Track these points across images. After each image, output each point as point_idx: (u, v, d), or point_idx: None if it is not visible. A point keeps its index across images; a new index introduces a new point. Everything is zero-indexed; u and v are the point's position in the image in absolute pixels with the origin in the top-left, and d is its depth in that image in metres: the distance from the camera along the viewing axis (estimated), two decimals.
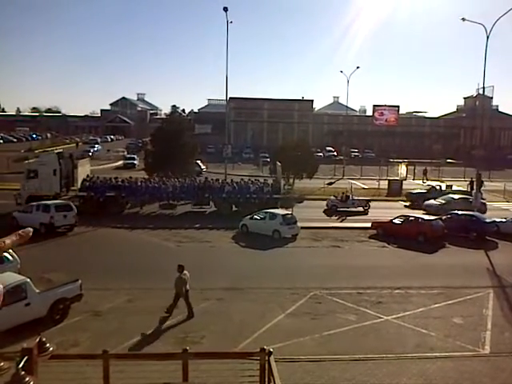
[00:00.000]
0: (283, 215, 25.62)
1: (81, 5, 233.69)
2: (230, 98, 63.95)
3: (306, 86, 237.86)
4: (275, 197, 31.05)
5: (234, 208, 31.02)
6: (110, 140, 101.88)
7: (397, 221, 26.27)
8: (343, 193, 34.69)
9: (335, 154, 74.63)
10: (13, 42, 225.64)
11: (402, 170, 57.84)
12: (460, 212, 27.67)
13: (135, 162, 54.90)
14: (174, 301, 14.58)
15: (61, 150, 35.86)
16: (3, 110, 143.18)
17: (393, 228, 26.00)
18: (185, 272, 14.76)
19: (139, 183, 31.01)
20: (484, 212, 31.14)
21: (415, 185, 45.68)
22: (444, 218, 26.94)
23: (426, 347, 13.00)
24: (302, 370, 11.48)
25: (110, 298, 15.71)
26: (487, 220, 27.04)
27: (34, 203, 25.46)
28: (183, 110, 55.04)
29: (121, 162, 57.68)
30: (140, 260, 20.35)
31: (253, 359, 6.56)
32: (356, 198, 34.43)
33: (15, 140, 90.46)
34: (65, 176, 30.50)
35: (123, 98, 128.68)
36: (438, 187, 39.35)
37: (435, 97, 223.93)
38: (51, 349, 5.64)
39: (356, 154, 77.28)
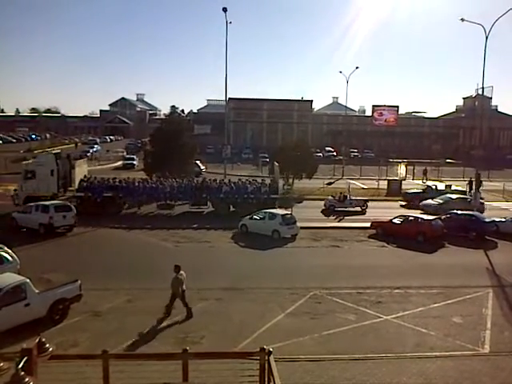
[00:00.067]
0: (283, 215, 25.62)
1: (80, 5, 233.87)
2: (230, 98, 63.96)
3: (305, 87, 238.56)
4: (273, 197, 31.04)
5: (232, 208, 31.02)
6: (109, 140, 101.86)
7: (396, 220, 26.28)
8: (341, 193, 34.70)
9: (335, 154, 74.66)
10: (12, 42, 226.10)
11: (402, 170, 57.83)
12: (459, 212, 27.69)
13: (134, 162, 54.91)
14: (171, 301, 14.58)
15: (58, 151, 35.85)
16: (2, 111, 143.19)
17: (392, 228, 26.00)
18: (181, 272, 14.76)
19: (137, 183, 30.98)
20: (482, 211, 31.17)
21: (415, 185, 45.70)
22: (443, 217, 26.95)
23: (426, 347, 13.00)
24: (301, 370, 11.48)
25: (109, 299, 15.70)
26: (486, 220, 27.06)
27: (33, 204, 25.44)
28: (182, 111, 55.20)
29: (120, 163, 57.70)
30: (139, 260, 20.35)
31: (252, 359, 6.57)
32: (354, 197, 34.44)
33: (14, 140, 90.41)
34: (62, 176, 30.51)
35: (122, 98, 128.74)
36: (433, 187, 39.39)
37: (434, 97, 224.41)
38: (51, 349, 5.65)
39: (355, 154, 77.32)
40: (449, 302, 16.53)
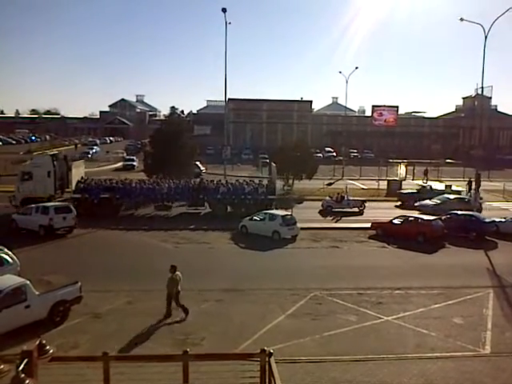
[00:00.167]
0: (283, 216, 25.61)
1: (79, 6, 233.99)
2: (229, 99, 63.96)
3: (304, 87, 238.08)
4: (270, 198, 31.02)
5: (229, 209, 31.00)
6: (109, 141, 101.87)
7: (396, 221, 26.27)
8: (338, 193, 34.65)
9: (334, 154, 74.66)
10: (11, 42, 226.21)
11: (402, 170, 57.86)
12: (459, 212, 27.68)
13: (134, 163, 54.91)
14: (168, 302, 14.60)
15: (55, 152, 35.83)
16: (2, 112, 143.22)
17: (392, 228, 25.99)
18: (177, 273, 14.77)
19: (134, 185, 30.92)
20: (480, 211, 31.16)
21: (415, 185, 45.66)
22: (443, 218, 26.93)
23: (427, 347, 12.99)
24: (302, 371, 11.46)
25: (109, 300, 15.68)
26: (487, 220, 27.04)
27: (33, 205, 25.43)
28: (182, 112, 55.20)
29: (120, 164, 57.68)
30: (139, 262, 20.34)
31: (253, 360, 6.56)
32: (351, 198, 34.38)
33: (14, 142, 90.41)
34: (59, 178, 30.46)
35: (122, 99, 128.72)
36: (428, 187, 39.34)
37: (434, 97, 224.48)
38: (51, 351, 5.65)
39: (355, 154, 77.33)
40: (449, 302, 16.51)
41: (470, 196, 37.07)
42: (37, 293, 13.44)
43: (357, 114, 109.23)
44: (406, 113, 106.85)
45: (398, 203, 36.83)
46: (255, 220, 26.05)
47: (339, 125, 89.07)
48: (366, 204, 34.56)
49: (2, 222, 26.01)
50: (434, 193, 36.78)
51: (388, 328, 14.24)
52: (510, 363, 12.36)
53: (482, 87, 46.42)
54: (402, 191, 38.75)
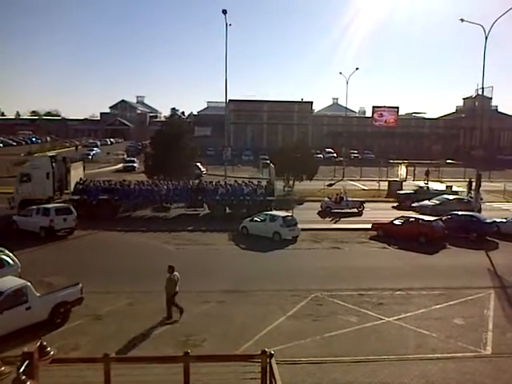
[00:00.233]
0: (283, 217, 25.60)
1: (80, 8, 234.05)
2: (230, 100, 64.10)
3: (305, 88, 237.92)
4: (269, 199, 31.02)
5: (228, 210, 31.00)
6: (109, 143, 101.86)
7: (397, 222, 26.26)
8: (337, 194, 34.64)
9: (335, 155, 74.65)
10: (12, 44, 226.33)
11: (402, 170, 57.80)
12: (460, 213, 27.67)
13: (135, 164, 54.96)
14: (169, 303, 14.62)
15: (54, 154, 35.83)
16: (3, 114, 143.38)
17: (393, 229, 25.98)
18: (175, 273, 14.79)
19: (132, 186, 30.90)
20: (479, 212, 31.11)
21: (416, 186, 45.61)
22: (444, 218, 26.92)
23: (428, 348, 12.98)
24: (303, 372, 11.46)
25: (110, 302, 15.69)
26: (487, 220, 27.02)
27: (34, 207, 25.45)
28: (183, 113, 55.10)
29: (121, 165, 57.71)
30: (139, 263, 20.34)
31: (254, 362, 6.56)
32: (350, 199, 34.36)
33: (15, 144, 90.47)
34: (58, 179, 30.42)
35: (123, 100, 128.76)
36: (425, 188, 39.28)
37: (434, 98, 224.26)
38: (52, 353, 5.64)
39: (356, 155, 77.32)
40: (450, 303, 16.51)
41: (471, 197, 37.05)
42: (38, 294, 13.45)
43: (357, 115, 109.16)
44: (406, 113, 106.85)
45: (396, 204, 36.84)
46: (256, 221, 26.05)
47: (340, 126, 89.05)
48: (366, 205, 34.56)
49: (3, 224, 26.04)
50: (430, 193, 36.77)
51: (389, 329, 14.23)
52: (511, 364, 12.35)
53: (483, 88, 46.35)
54: (399, 192, 38.74)
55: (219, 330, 13.78)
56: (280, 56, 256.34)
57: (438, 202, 32.83)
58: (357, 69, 60.73)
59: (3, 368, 5.18)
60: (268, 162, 48.54)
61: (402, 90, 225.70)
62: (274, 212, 26.93)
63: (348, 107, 79.26)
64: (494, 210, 34.26)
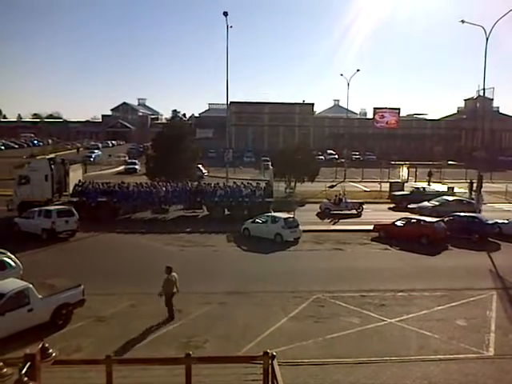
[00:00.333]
0: (285, 219, 25.58)
1: (81, 10, 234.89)
2: (231, 102, 64.14)
3: (306, 90, 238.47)
4: (267, 200, 31.01)
5: (227, 212, 30.99)
6: (111, 145, 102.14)
7: (399, 223, 26.23)
8: (336, 195, 34.60)
9: (336, 156, 74.69)
10: (13, 46, 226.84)
11: (404, 172, 57.79)
12: (462, 214, 27.63)
13: (136, 166, 55.01)
14: (169, 304, 14.63)
15: (52, 156, 35.84)
16: (4, 117, 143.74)
17: (395, 230, 25.94)
18: (173, 274, 14.82)
19: (131, 188, 30.90)
20: (479, 213, 31.04)
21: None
22: (446, 219, 26.88)
23: (430, 349, 12.95)
24: (305, 374, 11.44)
25: (112, 303, 15.69)
26: (489, 221, 26.95)
27: (36, 209, 25.47)
28: (184, 115, 54.92)
29: (122, 167, 57.78)
30: (141, 264, 20.32)
31: (256, 363, 6.56)
32: (349, 200, 34.30)
33: (16, 146, 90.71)
34: (57, 181, 30.45)
35: (124, 103, 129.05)
36: (421, 189, 39.20)
37: (435, 99, 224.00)
38: (54, 354, 5.65)
39: (357, 156, 77.31)
40: (453, 304, 16.47)
41: (472, 198, 36.99)
42: (40, 296, 13.46)
43: (358, 117, 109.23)
44: (407, 115, 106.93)
45: (392, 205, 36.80)
46: (257, 223, 26.03)
47: (341, 127, 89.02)
48: (366, 206, 34.52)
49: (5, 226, 26.08)
50: (426, 195, 36.72)
51: (391, 330, 14.21)
52: None
53: (484, 89, 46.22)
54: (395, 193, 38.72)
55: (221, 332, 13.77)
56: (281, 58, 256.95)
57: (437, 203, 32.76)
58: (358, 70, 60.70)
59: (5, 369, 5.18)
60: (269, 163, 48.64)
61: (403, 92, 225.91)
62: (276, 213, 26.92)
63: (349, 109, 79.43)
64: (495, 211, 34.18)
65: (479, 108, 79.90)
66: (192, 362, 6.53)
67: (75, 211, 25.75)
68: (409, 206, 34.03)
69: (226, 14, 37.52)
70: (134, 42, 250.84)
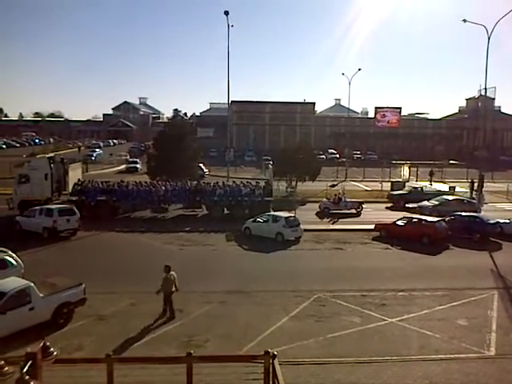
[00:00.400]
0: (286, 218, 25.57)
1: (83, 9, 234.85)
2: (232, 101, 64.09)
3: (307, 89, 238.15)
4: (267, 199, 31.00)
5: (226, 211, 30.99)
6: (112, 144, 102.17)
7: (400, 223, 26.20)
8: (335, 195, 34.55)
9: (337, 156, 74.66)
10: (14, 45, 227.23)
11: (405, 171, 57.74)
12: (463, 213, 27.61)
13: (138, 165, 55.05)
14: (169, 303, 14.66)
15: (52, 155, 35.90)
16: (6, 116, 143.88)
17: (396, 230, 25.92)
18: (171, 272, 14.84)
19: (130, 187, 30.90)
20: (479, 212, 31.00)
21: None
22: (447, 219, 26.85)
23: (431, 349, 12.94)
24: (306, 373, 11.44)
25: (113, 302, 15.71)
26: (491, 221, 26.92)
27: (37, 207, 25.50)
28: (185, 114, 54.98)
29: (123, 166, 57.82)
30: (142, 263, 20.32)
31: (257, 362, 6.57)
32: (349, 199, 34.24)
33: (18, 145, 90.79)
34: (56, 180, 30.49)
35: (125, 102, 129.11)
36: (419, 188, 39.18)
37: (437, 99, 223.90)
38: (55, 353, 5.65)
39: (358, 155, 77.27)
40: (454, 304, 16.46)
41: (473, 197, 36.94)
42: (41, 295, 13.47)
43: (360, 116, 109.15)
44: (409, 114, 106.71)
45: (390, 204, 36.76)
46: (258, 222, 26.03)
47: (342, 126, 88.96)
48: (366, 205, 34.49)
49: (6, 224, 26.12)
50: (423, 194, 36.69)
51: (392, 330, 14.20)
52: None
53: (486, 88, 46.14)
54: (393, 193, 38.68)
55: (222, 331, 13.78)
56: (282, 57, 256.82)
57: (437, 203, 32.72)
58: (359, 69, 60.62)
59: (7, 368, 5.18)
60: (271, 162, 48.65)
61: (405, 91, 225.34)
62: (277, 213, 26.90)
63: (350, 108, 79.29)
64: (497, 211, 34.15)
65: (481, 107, 79.82)
66: (193, 361, 6.54)
67: (76, 210, 25.79)
68: (406, 205, 34.02)
69: (227, 13, 37.51)
70: (136, 41, 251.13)
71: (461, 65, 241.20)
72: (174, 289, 14.74)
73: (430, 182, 49.64)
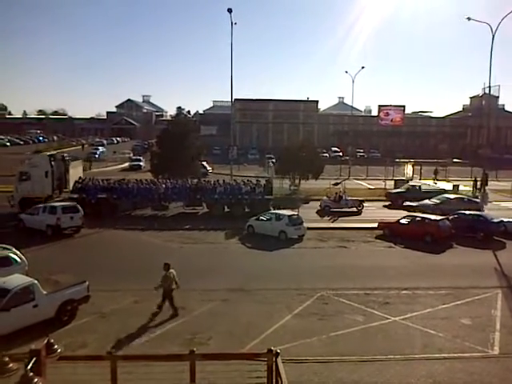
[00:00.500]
0: (289, 216, 25.55)
1: (86, 6, 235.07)
2: (235, 99, 64.10)
3: (311, 87, 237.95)
4: (267, 197, 30.96)
5: (226, 209, 31.00)
6: (116, 142, 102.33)
7: (403, 221, 26.15)
8: (336, 193, 34.47)
9: (341, 154, 74.53)
10: (17, 43, 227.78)
11: (408, 169, 57.60)
12: (467, 212, 27.51)
13: (141, 163, 55.15)
14: (170, 301, 14.69)
15: (53, 152, 35.99)
16: (10, 113, 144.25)
17: (399, 228, 25.86)
18: (171, 270, 14.86)
19: (131, 185, 30.95)
20: (481, 211, 30.86)
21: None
22: (451, 217, 26.77)
23: (434, 348, 12.91)
24: (309, 371, 11.44)
25: (117, 300, 15.74)
26: (494, 220, 26.82)
27: (41, 205, 25.59)
28: (188, 112, 55.22)
29: (127, 164, 57.93)
30: (145, 261, 20.33)
31: (260, 360, 6.57)
32: (349, 198, 34.12)
33: (22, 143, 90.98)
34: (57, 178, 30.61)
35: (129, 100, 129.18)
36: (417, 187, 39.05)
37: (441, 97, 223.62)
38: (59, 350, 5.68)
39: (362, 154, 77.18)
40: (457, 303, 16.41)
41: (476, 196, 36.81)
42: (45, 292, 13.51)
43: (363, 114, 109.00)
44: (412, 112, 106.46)
45: (388, 203, 36.69)
46: (262, 220, 26.02)
47: (345, 124, 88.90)
48: (368, 204, 34.41)
49: (10, 222, 26.22)
50: (421, 193, 36.58)
51: (395, 328, 14.18)
52: None
53: (490, 86, 46.06)
54: (391, 191, 38.57)
55: (225, 329, 13.79)
56: (286, 55, 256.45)
57: (438, 201, 32.59)
58: (363, 67, 60.64)
59: (11, 365, 5.21)
60: (274, 160, 48.65)
61: (408, 90, 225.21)
62: (280, 211, 26.89)
63: (354, 106, 79.17)
64: (501, 210, 34.02)
65: (485, 106, 79.52)
66: (196, 358, 6.54)
67: (80, 208, 25.84)
68: (404, 203, 33.90)
69: (230, 10, 37.46)
70: (139, 38, 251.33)
71: (465, 63, 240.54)
72: (174, 286, 14.76)
73: (435, 180, 49.50)
